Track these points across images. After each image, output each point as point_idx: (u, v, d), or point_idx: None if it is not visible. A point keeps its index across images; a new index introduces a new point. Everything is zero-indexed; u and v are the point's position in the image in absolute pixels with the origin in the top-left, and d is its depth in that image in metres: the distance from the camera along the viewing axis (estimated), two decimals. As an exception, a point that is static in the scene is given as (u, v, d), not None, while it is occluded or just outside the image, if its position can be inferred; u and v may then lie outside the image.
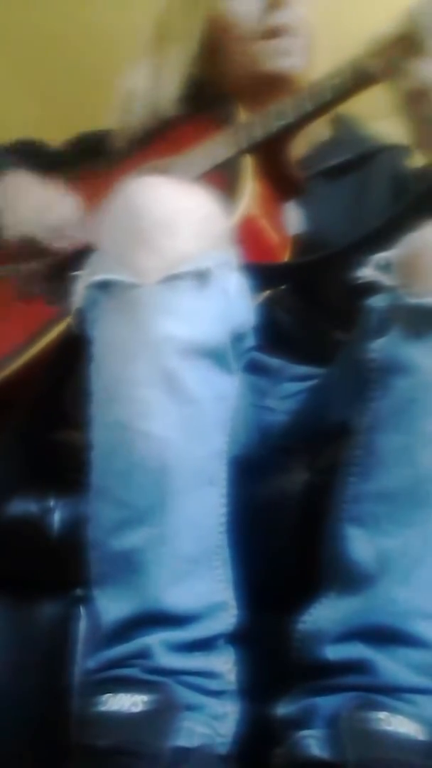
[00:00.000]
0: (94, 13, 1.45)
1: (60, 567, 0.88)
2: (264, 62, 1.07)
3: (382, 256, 0.77)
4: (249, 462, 0.79)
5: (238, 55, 1.09)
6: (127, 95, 1.12)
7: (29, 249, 1.03)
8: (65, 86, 1.43)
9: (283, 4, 1.06)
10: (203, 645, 0.69)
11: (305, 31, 1.08)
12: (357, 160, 1.10)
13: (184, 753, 0.64)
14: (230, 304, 0.76)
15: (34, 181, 1.07)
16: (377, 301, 0.77)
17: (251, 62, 1.08)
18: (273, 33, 1.07)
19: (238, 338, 0.78)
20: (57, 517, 0.90)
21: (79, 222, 1.03)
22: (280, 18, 1.07)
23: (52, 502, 0.90)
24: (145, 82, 1.11)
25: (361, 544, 0.72)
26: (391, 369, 0.74)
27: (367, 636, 0.69)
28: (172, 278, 0.73)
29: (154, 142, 1.08)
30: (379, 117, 0.98)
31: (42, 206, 1.03)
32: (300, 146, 1.08)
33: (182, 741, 0.64)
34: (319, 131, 1.11)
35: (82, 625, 0.88)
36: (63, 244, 1.01)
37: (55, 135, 1.21)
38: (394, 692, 0.67)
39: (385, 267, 0.77)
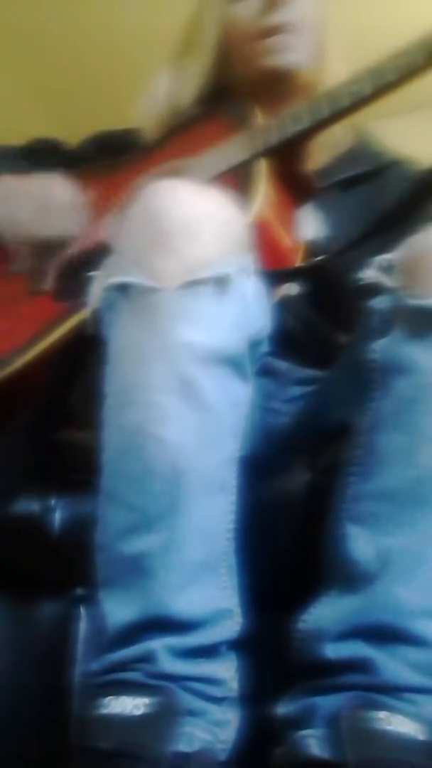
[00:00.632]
0: (95, 14, 1.44)
1: (60, 567, 0.88)
2: (264, 60, 1.08)
3: (384, 257, 0.77)
4: (252, 463, 0.78)
5: (243, 56, 1.10)
6: (151, 99, 1.13)
7: (33, 248, 1.02)
8: (67, 87, 1.43)
9: (280, 2, 1.07)
10: (207, 651, 0.69)
11: (307, 27, 1.09)
12: (369, 174, 1.12)
13: (184, 757, 0.64)
14: (248, 310, 0.76)
15: (28, 179, 1.07)
16: (379, 302, 0.77)
17: (254, 61, 1.09)
18: (271, 31, 1.08)
19: (254, 345, 0.78)
20: (58, 517, 0.89)
21: (79, 207, 1.03)
22: (278, 17, 1.08)
23: (53, 502, 0.90)
24: (166, 84, 1.13)
25: (361, 544, 0.72)
26: (393, 369, 0.74)
27: (367, 635, 0.69)
28: (191, 284, 0.72)
29: (171, 142, 1.08)
30: (387, 115, 0.98)
31: (39, 194, 1.03)
32: (321, 157, 1.10)
33: (183, 746, 0.64)
34: (340, 142, 1.12)
35: (82, 625, 0.88)
36: (65, 231, 1.01)
37: (57, 135, 1.21)
38: (394, 691, 0.68)
39: (387, 268, 0.77)
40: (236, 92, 1.11)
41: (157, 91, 1.14)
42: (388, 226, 0.88)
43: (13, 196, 1.04)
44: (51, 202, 1.03)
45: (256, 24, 1.09)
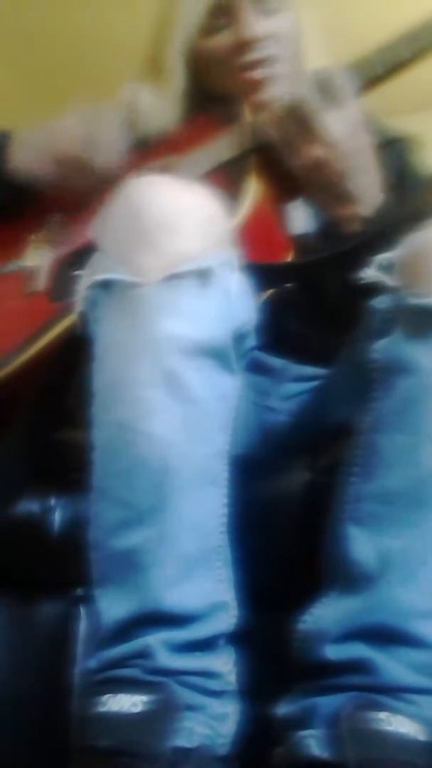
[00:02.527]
0: (91, 13, 1.45)
1: (60, 567, 0.88)
2: (248, 95, 1.05)
3: (384, 256, 0.77)
4: (250, 462, 0.78)
5: (226, 86, 1.08)
6: (131, 108, 1.12)
7: (76, 172, 1.01)
8: (62, 84, 1.43)
9: (250, 44, 1.05)
10: (204, 645, 0.69)
11: (287, 55, 1.06)
12: None
13: (184, 753, 0.64)
14: (232, 303, 0.76)
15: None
16: (380, 302, 0.77)
17: (239, 92, 1.06)
18: (246, 67, 1.05)
19: (240, 338, 0.77)
20: (57, 517, 0.90)
21: (123, 139, 1.02)
22: (250, 56, 1.05)
23: (52, 502, 0.90)
24: (147, 100, 1.11)
25: (362, 544, 0.72)
26: (394, 369, 0.74)
27: (367, 636, 0.69)
28: (173, 278, 0.72)
29: (160, 141, 1.07)
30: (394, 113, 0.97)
31: (87, 118, 1.01)
32: None
33: (182, 741, 0.64)
34: None
35: (82, 625, 0.88)
36: (109, 160, 1.00)
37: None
38: (394, 692, 0.67)
39: (388, 267, 0.77)
40: (223, 95, 1.09)
41: (138, 105, 1.11)
42: (381, 223, 0.88)
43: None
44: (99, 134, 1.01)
45: (232, 60, 1.06)
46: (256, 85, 1.05)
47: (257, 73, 1.05)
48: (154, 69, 1.13)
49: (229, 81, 1.07)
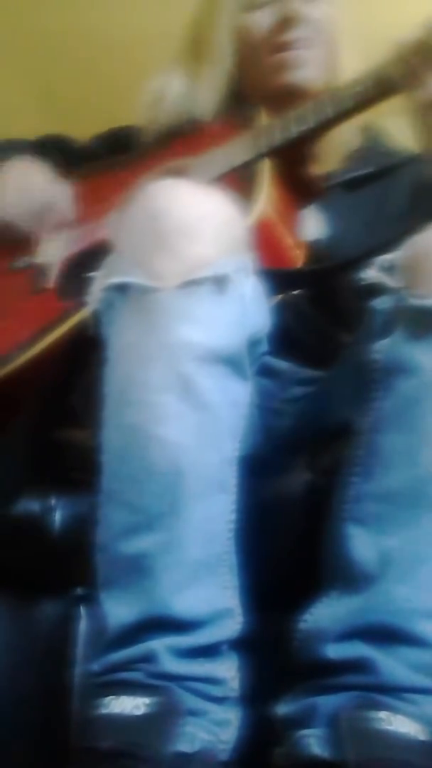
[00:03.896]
0: (97, 16, 1.44)
1: (60, 566, 0.88)
2: (276, 75, 1.07)
3: (386, 258, 0.77)
4: (253, 463, 0.78)
5: (254, 66, 1.09)
6: (157, 96, 1.12)
7: (7, 235, 1.02)
8: (68, 88, 1.42)
9: (294, 21, 1.06)
10: (208, 651, 0.69)
11: (322, 40, 1.08)
12: (378, 173, 1.10)
13: (185, 758, 0.64)
14: (247, 310, 0.76)
15: (29, 169, 1.06)
16: (381, 303, 0.77)
17: (265, 74, 1.08)
18: (284, 46, 1.07)
19: (253, 344, 0.78)
20: (58, 516, 0.89)
21: (67, 209, 1.03)
22: (291, 34, 1.06)
23: (53, 501, 0.90)
24: (179, 87, 1.12)
25: (362, 544, 0.72)
26: (395, 370, 0.74)
27: (368, 635, 0.69)
28: (190, 284, 0.72)
29: (174, 142, 1.07)
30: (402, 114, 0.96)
31: (27, 187, 1.03)
32: (329, 157, 1.09)
33: (183, 746, 0.64)
34: (349, 142, 1.11)
35: (82, 625, 0.88)
36: (43, 228, 1.01)
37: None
38: (394, 692, 0.68)
39: (390, 269, 0.77)
40: (246, 97, 1.10)
41: (167, 93, 1.12)
42: (396, 233, 0.88)
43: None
44: (36, 203, 1.03)
45: (270, 37, 1.07)
46: (289, 65, 1.06)
47: (292, 54, 1.06)
48: (193, 51, 1.13)
49: (263, 59, 1.07)
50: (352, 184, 1.09)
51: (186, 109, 1.10)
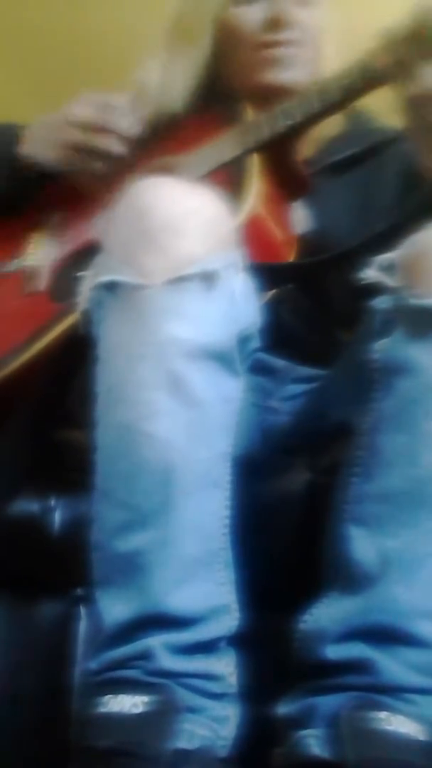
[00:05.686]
0: (91, 12, 1.44)
1: (60, 567, 0.88)
2: (261, 73, 1.06)
3: (385, 257, 0.77)
4: (251, 462, 0.78)
5: (238, 61, 1.08)
6: (139, 88, 1.11)
7: (87, 159, 1.01)
8: (61, 84, 1.43)
9: (285, 22, 1.05)
10: (205, 647, 0.69)
11: (309, 41, 1.07)
12: (364, 154, 1.09)
13: (184, 755, 0.64)
14: (236, 305, 0.76)
15: None
16: (380, 302, 0.77)
17: (250, 70, 1.07)
18: (271, 44, 1.06)
19: (244, 340, 0.78)
20: (58, 517, 0.90)
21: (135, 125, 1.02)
22: (280, 34, 1.05)
23: (52, 502, 0.90)
24: (156, 77, 1.11)
25: (362, 544, 0.72)
26: (394, 370, 0.74)
27: (368, 636, 0.69)
28: (178, 280, 0.72)
29: (161, 139, 1.07)
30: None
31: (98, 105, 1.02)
32: (311, 142, 1.07)
33: (182, 743, 0.64)
34: (330, 127, 1.09)
35: (82, 625, 0.88)
36: (121, 147, 1.00)
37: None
38: (394, 692, 0.68)
39: (389, 268, 0.77)
40: (228, 91, 1.09)
41: (148, 80, 1.11)
42: (388, 223, 0.87)
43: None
44: None
45: (257, 34, 1.06)
46: (274, 64, 1.06)
47: (279, 52, 1.06)
48: (176, 36, 1.12)
49: (249, 55, 1.06)
50: (338, 168, 1.08)
51: (160, 98, 1.09)
